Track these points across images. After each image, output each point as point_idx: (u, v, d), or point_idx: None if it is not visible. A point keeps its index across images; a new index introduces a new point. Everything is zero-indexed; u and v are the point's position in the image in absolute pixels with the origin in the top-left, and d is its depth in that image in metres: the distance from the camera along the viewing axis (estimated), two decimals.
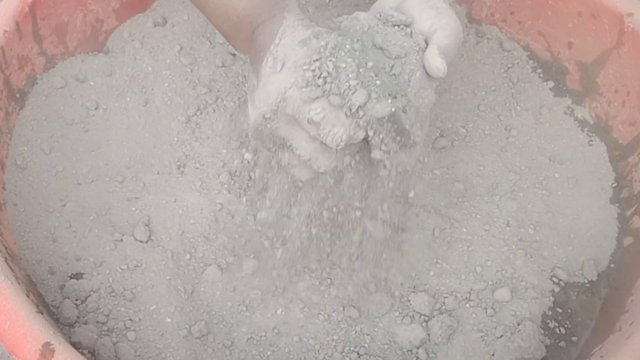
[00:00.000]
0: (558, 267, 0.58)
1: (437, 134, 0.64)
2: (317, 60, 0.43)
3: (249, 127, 0.47)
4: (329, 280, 0.56)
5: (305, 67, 0.43)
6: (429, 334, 0.53)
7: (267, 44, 0.47)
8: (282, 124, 0.45)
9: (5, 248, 0.49)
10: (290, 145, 0.45)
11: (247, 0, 0.49)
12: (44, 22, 0.60)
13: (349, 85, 0.42)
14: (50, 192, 0.57)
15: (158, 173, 0.60)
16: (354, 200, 0.50)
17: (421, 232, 0.58)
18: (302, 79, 0.43)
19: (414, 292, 0.55)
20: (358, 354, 0.52)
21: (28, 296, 0.45)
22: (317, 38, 0.44)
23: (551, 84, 0.68)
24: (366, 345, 0.53)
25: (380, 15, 0.47)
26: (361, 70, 0.43)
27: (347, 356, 0.52)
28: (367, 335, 0.53)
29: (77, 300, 0.52)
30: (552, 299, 0.56)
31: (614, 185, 0.62)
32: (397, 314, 0.54)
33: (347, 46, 0.44)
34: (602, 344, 0.51)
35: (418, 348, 0.53)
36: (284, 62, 0.44)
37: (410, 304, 0.55)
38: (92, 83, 0.63)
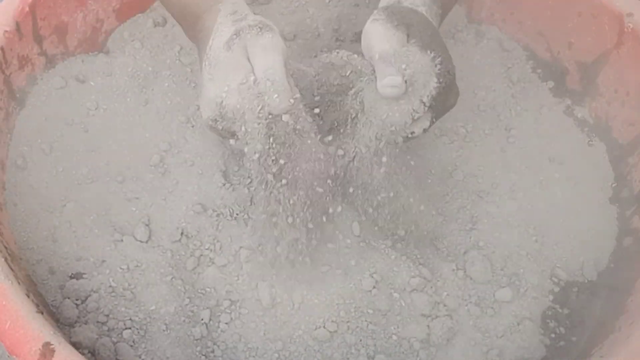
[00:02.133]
0: (558, 267, 0.58)
1: (437, 134, 0.65)
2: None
3: (203, 120, 0.49)
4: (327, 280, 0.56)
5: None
6: (429, 334, 0.53)
7: (205, 42, 0.48)
8: (231, 124, 0.46)
9: (6, 248, 0.49)
10: (242, 129, 0.47)
11: None
12: (44, 22, 0.60)
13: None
14: (51, 192, 0.57)
15: (158, 173, 0.60)
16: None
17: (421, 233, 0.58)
18: (234, 88, 0.45)
19: (415, 290, 0.55)
20: (359, 351, 0.53)
21: (28, 296, 0.45)
22: (239, 36, 0.46)
23: (551, 84, 0.68)
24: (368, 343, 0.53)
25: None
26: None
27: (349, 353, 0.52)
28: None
29: (77, 300, 0.51)
30: (552, 298, 0.56)
31: (614, 185, 0.62)
32: (397, 313, 0.54)
33: None
34: (602, 343, 0.51)
35: (418, 347, 0.53)
36: (215, 69, 0.46)
37: (411, 304, 0.55)
38: (92, 83, 0.63)
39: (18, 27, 0.57)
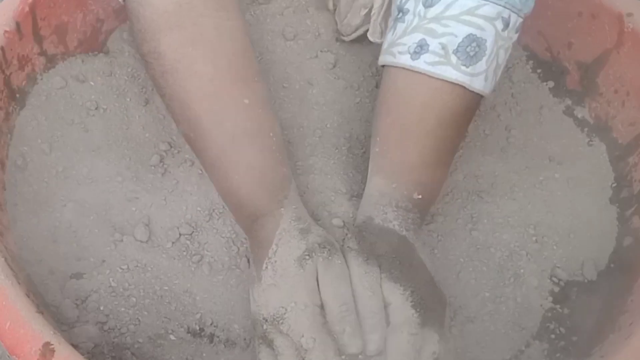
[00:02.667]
0: (558, 267, 0.58)
1: None
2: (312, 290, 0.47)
3: (255, 314, 0.50)
4: None
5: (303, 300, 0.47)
6: None
7: (265, 244, 0.50)
8: (275, 332, 0.47)
9: (6, 248, 0.49)
10: (275, 350, 0.47)
11: (248, 189, 0.52)
12: (44, 22, 0.60)
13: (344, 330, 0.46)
14: (51, 192, 0.56)
15: (158, 173, 0.60)
16: None
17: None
18: (298, 308, 0.47)
19: None
20: None
21: (28, 296, 0.45)
22: (312, 257, 0.48)
23: (551, 84, 0.68)
24: None
25: None
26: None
27: None
28: None
29: (77, 300, 0.51)
30: (551, 298, 0.56)
31: (614, 185, 0.62)
32: None
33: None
34: (602, 343, 0.51)
35: None
36: (282, 280, 0.48)
37: None
38: (92, 83, 0.63)
39: (18, 27, 0.57)
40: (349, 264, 0.49)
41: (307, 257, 0.48)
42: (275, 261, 0.49)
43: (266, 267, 0.49)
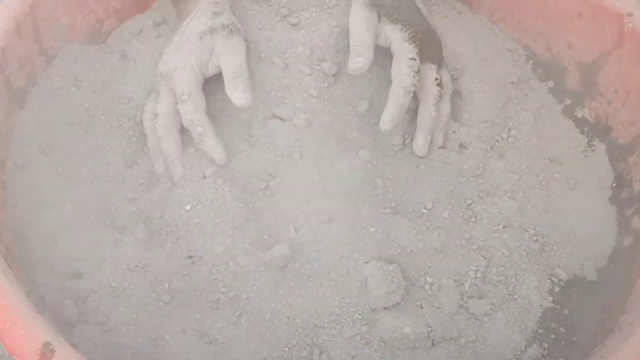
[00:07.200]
0: (558, 267, 0.58)
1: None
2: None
3: (158, 69, 0.60)
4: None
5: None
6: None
7: (183, 17, 0.60)
8: (165, 85, 0.58)
9: (5, 248, 0.49)
10: (159, 98, 0.58)
11: None
12: (44, 22, 0.60)
13: None
14: (50, 192, 0.56)
15: (158, 173, 0.60)
16: None
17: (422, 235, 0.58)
18: (186, 69, 0.56)
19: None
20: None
21: (28, 296, 0.45)
22: (212, 34, 0.56)
23: (551, 84, 0.68)
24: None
25: None
26: None
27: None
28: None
29: (77, 300, 0.52)
30: (551, 298, 0.56)
31: (614, 185, 0.62)
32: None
33: None
34: (602, 343, 0.51)
35: (417, 349, 0.53)
36: (183, 47, 0.57)
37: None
38: (92, 83, 0.63)
39: (18, 27, 0.57)
40: (352, 9, 0.57)
41: (209, 33, 0.56)
42: (184, 32, 0.58)
43: (176, 35, 0.59)
